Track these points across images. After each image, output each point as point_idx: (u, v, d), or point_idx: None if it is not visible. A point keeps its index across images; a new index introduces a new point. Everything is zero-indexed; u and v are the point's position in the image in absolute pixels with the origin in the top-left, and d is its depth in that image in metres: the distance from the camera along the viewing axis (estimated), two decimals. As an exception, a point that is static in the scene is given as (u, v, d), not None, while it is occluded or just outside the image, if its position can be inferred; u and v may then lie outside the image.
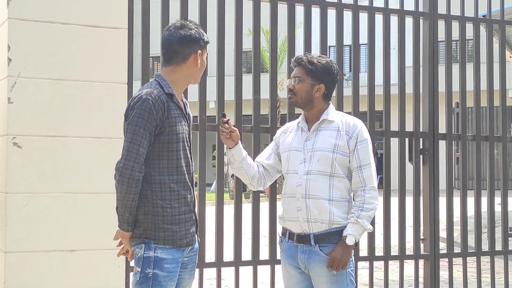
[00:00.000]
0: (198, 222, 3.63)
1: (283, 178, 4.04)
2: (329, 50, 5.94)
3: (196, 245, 3.64)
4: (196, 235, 3.61)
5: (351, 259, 3.83)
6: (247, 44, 5.55)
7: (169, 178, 3.44)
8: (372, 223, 4.26)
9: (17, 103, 4.52)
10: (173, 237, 3.43)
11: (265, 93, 5.59)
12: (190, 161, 3.56)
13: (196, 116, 5.48)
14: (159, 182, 3.42)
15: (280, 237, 4.04)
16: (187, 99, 5.27)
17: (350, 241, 3.76)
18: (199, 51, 3.53)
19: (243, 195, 6.08)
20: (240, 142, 3.96)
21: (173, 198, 3.44)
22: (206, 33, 5.18)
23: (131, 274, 3.47)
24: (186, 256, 3.54)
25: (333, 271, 3.76)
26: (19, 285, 4.54)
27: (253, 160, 4.09)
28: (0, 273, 4.57)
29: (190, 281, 3.63)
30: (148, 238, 3.42)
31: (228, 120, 3.91)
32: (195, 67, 3.54)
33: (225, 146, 4.01)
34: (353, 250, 3.86)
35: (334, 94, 5.09)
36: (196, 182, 5.27)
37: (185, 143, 3.50)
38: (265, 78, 5.71)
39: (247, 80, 5.59)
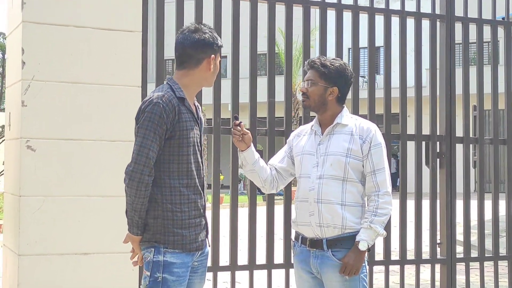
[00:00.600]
0: (208, 226, 3.60)
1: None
2: (348, 52, 5.89)
3: (207, 249, 3.62)
4: (206, 239, 3.58)
5: (364, 264, 3.79)
6: (263, 46, 5.53)
7: (180, 182, 3.42)
8: (388, 227, 4.25)
9: (31, 106, 4.53)
10: (183, 241, 3.41)
11: (281, 96, 5.57)
12: (201, 165, 3.54)
13: (211, 119, 5.49)
14: (169, 186, 3.41)
15: (293, 241, 4.01)
16: (201, 102, 5.32)
17: (363, 246, 3.72)
18: (213, 55, 3.51)
19: (261, 197, 6.07)
20: (252, 145, 3.94)
21: (183, 202, 3.42)
22: (220, 35, 5.22)
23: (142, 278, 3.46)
24: (196, 260, 3.52)
25: (346, 276, 3.73)
26: (33, 288, 4.55)
27: (266, 163, 4.07)
28: (14, 276, 4.58)
29: (201, 286, 3.62)
30: (158, 242, 3.40)
31: (241, 122, 3.89)
32: (208, 71, 3.52)
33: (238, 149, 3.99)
34: (366, 255, 3.82)
35: (349, 96, 5.08)
36: (210, 185, 5.27)
37: (196, 147, 3.48)
38: (281, 81, 5.69)
39: (263, 82, 5.57)
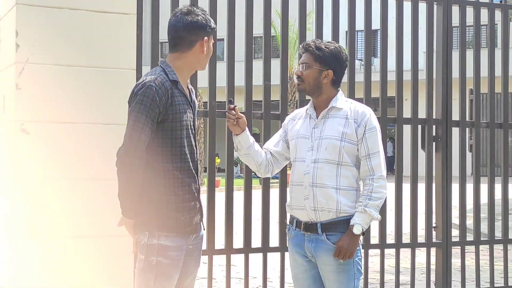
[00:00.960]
0: (203, 210, 3.60)
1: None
2: (345, 35, 5.87)
3: (202, 232, 3.62)
4: (201, 223, 3.58)
5: (358, 248, 3.80)
6: (260, 29, 5.50)
7: (173, 165, 3.41)
8: (384, 210, 4.25)
9: (25, 89, 4.51)
10: (177, 224, 3.41)
11: (277, 79, 5.55)
12: (195, 148, 3.53)
13: (207, 102, 5.47)
14: (163, 169, 3.40)
15: (287, 225, 4.01)
16: (197, 85, 5.30)
17: (357, 230, 3.72)
18: (206, 37, 3.49)
19: (258, 180, 6.07)
20: (247, 129, 3.93)
21: (177, 185, 3.41)
22: (216, 18, 5.18)
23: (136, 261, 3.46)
24: (191, 243, 3.52)
25: (340, 260, 3.74)
26: (26, 271, 4.55)
27: (261, 147, 4.06)
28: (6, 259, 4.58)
29: (196, 269, 3.62)
30: (152, 226, 3.40)
31: (235, 106, 3.88)
32: (201, 54, 3.51)
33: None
34: (362, 239, 3.83)
35: (345, 79, 5.06)
36: (206, 168, 5.26)
37: (189, 130, 3.47)
38: (278, 64, 5.66)
39: (259, 65, 5.55)
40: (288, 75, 5.73)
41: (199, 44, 3.48)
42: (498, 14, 6.43)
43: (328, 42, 3.92)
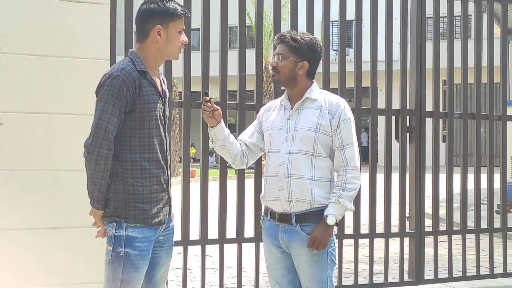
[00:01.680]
0: (171, 202, 3.58)
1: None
2: (320, 26, 5.88)
3: (172, 223, 3.60)
4: (170, 214, 3.56)
5: (332, 238, 3.81)
6: (235, 19, 5.48)
7: (141, 156, 3.38)
8: (358, 200, 4.28)
9: (-3, 79, 4.47)
10: (144, 215, 3.39)
11: (252, 69, 5.53)
12: (165, 139, 3.50)
13: (181, 92, 5.45)
14: (130, 160, 3.37)
15: (262, 216, 4.01)
16: (171, 75, 5.28)
17: (330, 221, 3.73)
18: (158, 25, 3.38)
19: (233, 171, 6.10)
20: (222, 120, 3.93)
21: (145, 176, 3.39)
22: (191, 8, 5.15)
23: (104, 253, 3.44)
24: (161, 235, 3.51)
25: (314, 250, 3.75)
26: (1, 263, 4.52)
27: (236, 139, 4.05)
28: (-19, 251, 4.54)
29: (168, 260, 3.61)
30: (119, 217, 3.38)
31: (211, 98, 3.86)
32: (157, 43, 3.40)
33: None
34: (335, 229, 3.84)
35: (320, 70, 5.07)
36: (180, 158, 5.24)
37: (159, 121, 3.44)
38: (253, 54, 5.65)
39: (234, 55, 5.53)
40: (264, 66, 5.72)
41: (152, 33, 3.39)
42: (471, 6, 6.47)
43: (303, 33, 3.92)
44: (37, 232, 4.60)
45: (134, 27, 3.48)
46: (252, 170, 5.47)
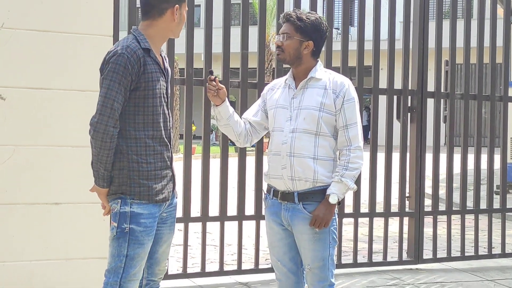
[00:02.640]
0: (175, 178, 3.60)
1: None
2: (323, 3, 5.85)
3: (175, 200, 3.62)
4: (174, 191, 3.59)
5: (334, 217, 3.83)
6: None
7: (145, 133, 3.40)
8: (358, 179, 4.29)
9: (1, 54, 4.45)
10: (149, 192, 3.41)
11: (254, 47, 5.52)
12: (168, 117, 3.52)
13: (183, 69, 5.44)
14: (135, 138, 3.39)
15: (265, 194, 4.03)
16: (174, 52, 5.27)
17: (333, 199, 3.75)
18: (177, 5, 3.44)
19: (233, 148, 6.09)
20: (227, 99, 3.93)
21: (149, 153, 3.41)
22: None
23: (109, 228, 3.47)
24: (165, 211, 3.53)
25: (316, 229, 3.77)
26: (3, 238, 4.54)
27: (240, 117, 4.06)
28: (-16, 225, 4.56)
29: (170, 236, 3.63)
30: (124, 193, 3.40)
31: (215, 77, 3.86)
32: (172, 22, 3.46)
33: (211, 103, 3.96)
34: (336, 208, 3.85)
35: (323, 48, 5.05)
36: (181, 135, 5.26)
37: (162, 98, 3.46)
38: (255, 31, 5.63)
39: (237, 32, 5.51)
40: (265, 43, 5.71)
41: (169, 12, 3.44)
42: (475, -14, 6.45)
43: (308, 12, 3.91)
44: (39, 208, 4.61)
45: (140, 4, 3.46)
46: (253, 148, 5.47)
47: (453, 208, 6.51)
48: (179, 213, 4.94)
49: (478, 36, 6.41)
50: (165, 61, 3.58)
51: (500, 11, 7.66)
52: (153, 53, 3.43)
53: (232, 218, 5.59)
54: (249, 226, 5.99)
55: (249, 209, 5.69)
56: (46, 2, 4.54)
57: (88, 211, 4.64)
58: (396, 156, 6.04)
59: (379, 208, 6.20)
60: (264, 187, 4.12)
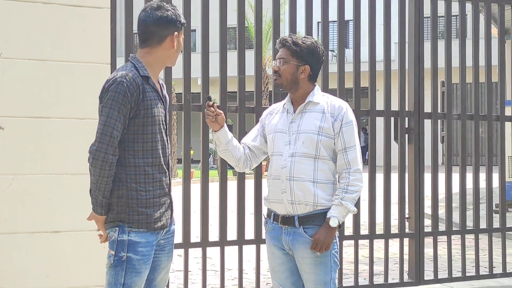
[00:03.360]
0: (173, 205, 3.60)
1: None
2: (317, 26, 5.90)
3: (173, 227, 3.62)
4: (172, 218, 3.59)
5: (335, 240, 3.83)
6: (233, 20, 5.50)
7: (144, 161, 3.41)
8: (357, 202, 4.31)
9: (-1, 84, 4.47)
10: (147, 220, 3.41)
11: (250, 70, 5.54)
12: (166, 144, 3.54)
13: (180, 94, 5.46)
14: (134, 165, 3.40)
15: (265, 218, 4.03)
16: (171, 77, 5.29)
17: (333, 223, 3.75)
18: (176, 32, 3.48)
19: (231, 172, 6.09)
20: (225, 124, 3.94)
21: (148, 181, 3.42)
22: (190, 9, 5.17)
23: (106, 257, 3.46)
24: (162, 238, 3.53)
25: (317, 252, 3.77)
26: (4, 267, 4.53)
27: (239, 142, 4.07)
28: (-16, 255, 4.54)
29: (169, 263, 3.63)
30: (122, 221, 3.40)
31: (214, 103, 3.88)
32: (171, 49, 3.49)
33: (210, 129, 3.98)
34: (337, 231, 3.86)
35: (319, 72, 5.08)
36: (179, 160, 5.26)
37: (161, 126, 3.47)
38: (250, 54, 5.66)
39: (233, 56, 5.54)
40: (261, 67, 5.74)
41: (169, 39, 3.47)
42: (469, 6, 6.50)
43: (304, 37, 3.94)
44: (39, 236, 4.60)
45: (138, 31, 3.48)
46: (251, 171, 5.48)
47: (453, 228, 6.50)
48: (179, 239, 4.94)
49: (474, 55, 6.44)
50: (163, 88, 3.60)
51: (494, 31, 7.72)
52: (152, 81, 3.46)
53: (232, 243, 5.57)
54: (249, 250, 5.97)
55: (249, 233, 5.68)
56: (44, 31, 4.56)
57: (88, 239, 4.62)
58: (394, 177, 6.04)
59: (379, 229, 6.19)
60: (264, 211, 4.13)
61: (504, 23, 6.78)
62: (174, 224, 3.64)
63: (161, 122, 3.48)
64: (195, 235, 5.66)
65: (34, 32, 4.54)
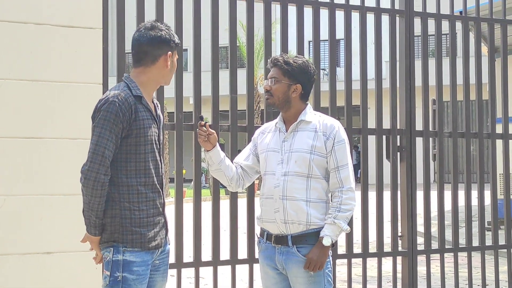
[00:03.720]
0: (167, 225, 3.60)
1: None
2: (309, 45, 5.92)
3: (168, 247, 3.62)
4: (166, 238, 3.58)
5: (328, 259, 3.83)
6: (224, 40, 5.51)
7: (137, 180, 3.41)
8: (350, 221, 4.32)
9: (-9, 104, 4.46)
10: (142, 239, 3.40)
11: (242, 89, 5.55)
12: (160, 163, 3.54)
13: (172, 113, 5.45)
14: (127, 185, 3.39)
15: (258, 237, 4.03)
16: (163, 96, 5.29)
17: (326, 242, 3.75)
18: (169, 52, 3.50)
19: (223, 191, 6.08)
20: (218, 144, 3.94)
21: (141, 200, 3.42)
22: (182, 29, 5.19)
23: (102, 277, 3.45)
24: (157, 259, 3.53)
25: (310, 272, 3.76)
26: (-5, 289, 4.50)
27: (231, 161, 4.07)
28: (-25, 277, 4.51)
29: (163, 283, 3.62)
30: (117, 241, 3.39)
31: (206, 122, 3.88)
32: (165, 69, 3.51)
33: (202, 148, 3.98)
34: (330, 250, 3.85)
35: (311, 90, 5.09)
36: (172, 179, 5.25)
37: (154, 145, 3.47)
38: (242, 73, 5.67)
39: (224, 75, 5.56)
40: (253, 85, 5.75)
41: (162, 59, 3.49)
42: (458, 25, 6.54)
43: (296, 56, 3.96)
44: (31, 257, 4.57)
45: (132, 51, 3.49)
46: (244, 190, 5.47)
47: (446, 246, 6.50)
48: (171, 259, 4.92)
49: (464, 74, 6.48)
50: (157, 107, 3.61)
51: (484, 49, 7.77)
52: (145, 100, 3.46)
53: (225, 263, 5.55)
54: (242, 270, 5.95)
55: (242, 253, 5.66)
56: (36, 52, 4.56)
57: (81, 260, 4.61)
58: (387, 195, 6.04)
59: (372, 248, 6.18)
60: (257, 231, 4.12)
61: (494, 42, 6.82)
62: (169, 244, 3.64)
63: (154, 141, 3.48)
64: (188, 255, 5.64)
65: (26, 53, 4.54)
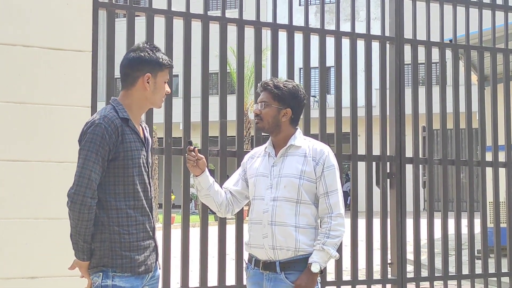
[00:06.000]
0: (158, 249, 3.54)
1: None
2: (299, 72, 5.92)
3: (158, 272, 3.56)
4: (157, 262, 3.53)
5: (316, 286, 3.78)
6: (215, 66, 5.51)
7: (126, 203, 3.36)
8: (339, 247, 4.28)
9: (-23, 126, 4.42)
10: (131, 264, 3.35)
11: (232, 115, 5.54)
12: (148, 186, 3.48)
13: (162, 138, 5.44)
14: (116, 208, 3.34)
15: (246, 263, 3.98)
16: (152, 121, 5.27)
17: (315, 268, 3.71)
18: (148, 74, 3.42)
19: (212, 217, 6.04)
20: (206, 169, 3.90)
21: (131, 224, 3.36)
22: (172, 54, 5.17)
23: None
24: (147, 284, 3.47)
25: (299, 298, 3.71)
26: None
27: (221, 187, 4.03)
28: (-42, 302, 4.45)
29: (152, 309, 3.55)
30: (106, 266, 3.33)
31: (195, 147, 3.84)
32: (144, 91, 3.42)
33: (191, 173, 3.94)
34: (319, 277, 3.81)
35: (301, 116, 5.09)
36: (161, 204, 5.21)
37: (142, 168, 3.42)
38: (233, 100, 5.66)
39: (214, 101, 5.55)
40: (243, 112, 5.74)
41: (140, 80, 3.41)
42: (448, 53, 6.56)
43: (286, 81, 3.94)
44: (15, 282, 4.51)
45: (119, 74, 3.46)
46: (232, 216, 5.44)
47: (436, 274, 6.47)
48: (159, 285, 4.86)
49: (454, 102, 6.49)
50: (145, 130, 3.56)
51: (474, 78, 7.80)
52: (132, 123, 3.42)
53: (213, 289, 5.50)
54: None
55: (230, 279, 5.61)
56: (24, 74, 4.54)
57: (66, 285, 4.54)
58: (377, 222, 6.01)
59: (362, 275, 6.14)
60: (245, 257, 4.07)
61: (484, 70, 6.85)
62: (159, 268, 3.58)
63: (142, 164, 3.43)
64: (176, 281, 5.58)
65: (13, 75, 4.52)
